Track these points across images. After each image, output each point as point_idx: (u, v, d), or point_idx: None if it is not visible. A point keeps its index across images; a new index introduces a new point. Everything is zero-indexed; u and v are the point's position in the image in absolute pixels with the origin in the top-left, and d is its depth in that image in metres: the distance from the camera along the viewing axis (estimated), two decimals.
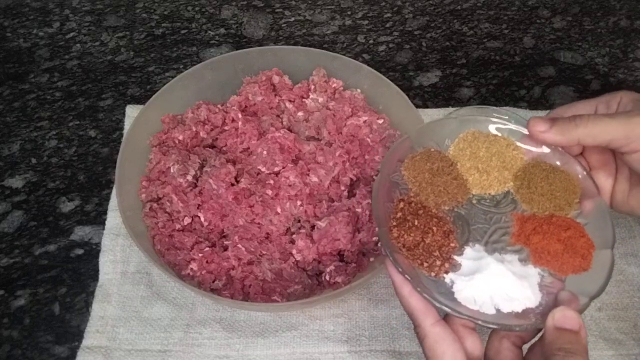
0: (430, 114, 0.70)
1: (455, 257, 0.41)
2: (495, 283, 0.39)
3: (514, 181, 0.45)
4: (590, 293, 0.38)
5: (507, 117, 0.47)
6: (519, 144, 0.46)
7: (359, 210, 0.56)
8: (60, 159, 0.69)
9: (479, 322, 0.37)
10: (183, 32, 0.84)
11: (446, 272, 0.40)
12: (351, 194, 0.59)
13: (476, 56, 0.81)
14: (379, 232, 0.41)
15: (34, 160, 0.69)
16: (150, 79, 0.77)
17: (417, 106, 0.68)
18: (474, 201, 0.45)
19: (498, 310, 0.38)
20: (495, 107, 0.70)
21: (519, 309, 0.38)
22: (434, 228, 0.41)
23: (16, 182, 0.67)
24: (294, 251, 0.55)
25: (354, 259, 0.55)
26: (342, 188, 0.59)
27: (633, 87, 0.77)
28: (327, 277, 0.53)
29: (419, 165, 0.45)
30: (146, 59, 0.80)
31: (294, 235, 0.56)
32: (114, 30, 0.84)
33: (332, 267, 0.53)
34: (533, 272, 0.40)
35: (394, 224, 0.42)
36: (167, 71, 0.78)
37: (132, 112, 0.70)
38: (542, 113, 0.71)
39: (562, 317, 0.36)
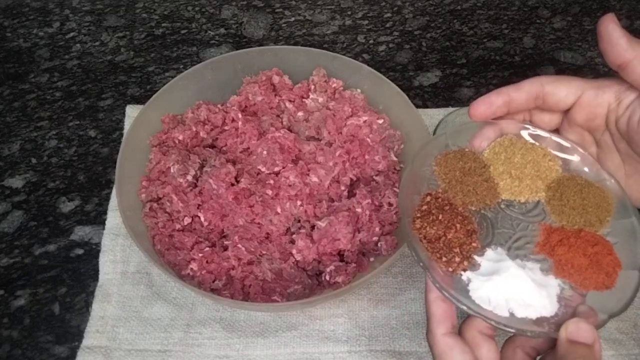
0: (431, 114, 0.70)
1: (476, 257, 0.40)
2: (512, 287, 0.38)
3: (547, 191, 0.44)
4: (610, 311, 0.37)
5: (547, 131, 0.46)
6: (556, 153, 0.45)
7: (359, 210, 0.56)
8: (60, 159, 0.69)
9: (492, 323, 0.37)
10: (183, 32, 0.84)
11: (464, 270, 0.39)
12: (351, 194, 0.59)
13: (476, 56, 0.81)
14: (402, 221, 0.41)
15: (34, 160, 0.69)
16: (150, 79, 0.77)
17: (417, 106, 0.68)
18: (503, 206, 0.44)
19: (512, 314, 0.38)
20: None
21: (533, 316, 0.38)
22: (458, 225, 0.41)
23: (16, 182, 0.67)
24: (294, 251, 0.55)
25: (354, 259, 0.55)
26: (342, 188, 0.59)
27: None
28: (327, 277, 0.53)
29: (452, 163, 0.44)
30: (146, 59, 0.80)
31: (294, 235, 0.56)
32: (114, 30, 0.84)
33: (332, 267, 0.53)
34: (553, 283, 0.39)
35: (418, 215, 0.41)
36: (167, 71, 0.78)
37: (132, 112, 0.70)
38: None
39: (575, 329, 0.35)
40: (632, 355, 0.53)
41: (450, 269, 0.39)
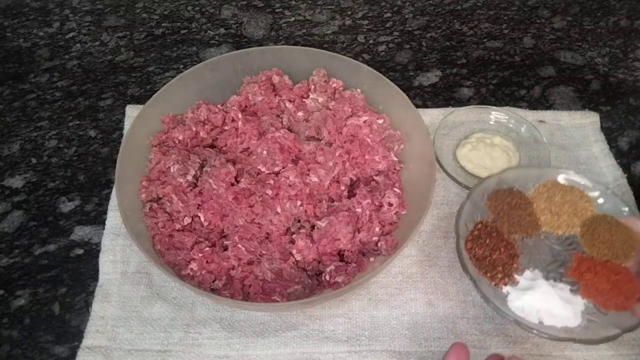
0: (431, 114, 0.70)
1: (516, 275, 0.50)
2: (543, 300, 0.47)
3: (581, 227, 0.52)
4: (624, 327, 0.46)
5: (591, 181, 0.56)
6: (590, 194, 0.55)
7: (359, 210, 0.56)
8: (60, 159, 0.69)
9: (522, 326, 0.46)
10: (183, 32, 0.84)
11: (505, 285, 0.49)
12: (351, 194, 0.59)
13: (476, 56, 0.81)
14: (457, 241, 0.51)
15: (34, 160, 0.69)
16: (150, 79, 0.77)
17: (417, 106, 0.68)
18: (542, 236, 0.53)
19: (540, 322, 0.47)
20: (495, 107, 0.70)
21: (558, 325, 0.47)
22: (502, 249, 0.50)
23: (16, 182, 0.67)
24: (294, 251, 0.55)
25: (354, 259, 0.55)
26: (342, 188, 0.59)
27: (633, 87, 0.77)
28: (327, 277, 0.53)
29: (501, 198, 0.54)
30: (146, 59, 0.80)
31: (294, 235, 0.56)
32: (114, 30, 0.84)
33: (332, 267, 0.53)
34: (579, 302, 0.48)
35: (470, 238, 0.51)
36: (167, 71, 0.78)
37: (132, 112, 0.70)
38: (542, 113, 0.71)
39: None
40: (632, 355, 0.53)
41: (494, 283, 0.49)
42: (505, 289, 0.49)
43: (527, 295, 0.48)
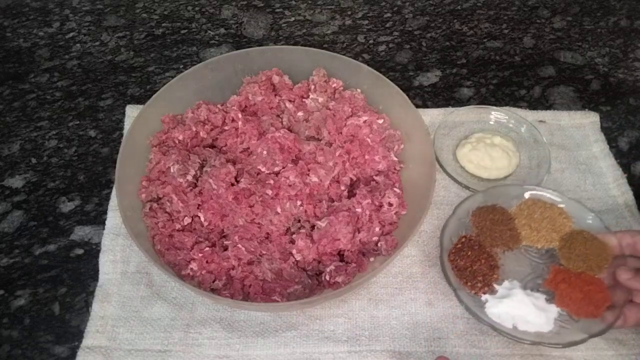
0: (431, 114, 0.70)
1: (495, 285, 0.54)
2: (518, 308, 0.51)
3: (559, 241, 0.56)
4: (592, 332, 0.50)
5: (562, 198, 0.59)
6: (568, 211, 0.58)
7: (359, 210, 0.56)
8: (60, 159, 0.69)
9: (497, 330, 0.50)
10: (183, 32, 0.84)
11: (484, 293, 0.53)
12: (351, 194, 0.59)
13: (476, 56, 0.81)
14: (440, 254, 0.55)
15: (34, 160, 0.69)
16: (150, 79, 0.77)
17: (417, 106, 0.68)
18: (523, 250, 0.57)
19: (514, 327, 0.51)
20: (495, 107, 0.70)
21: (531, 330, 0.51)
22: (483, 260, 0.54)
23: (16, 182, 0.67)
24: (294, 251, 0.55)
25: (354, 259, 0.55)
26: (342, 188, 0.59)
27: (633, 87, 0.77)
28: (327, 277, 0.53)
29: (484, 214, 0.57)
30: (146, 59, 0.80)
31: (294, 235, 0.56)
32: (114, 30, 0.84)
33: (332, 267, 0.53)
34: (553, 310, 0.52)
35: (453, 250, 0.55)
36: (167, 71, 0.78)
37: (132, 112, 0.70)
38: (542, 113, 0.71)
39: None
40: (632, 355, 0.53)
41: (473, 292, 0.53)
42: (485, 297, 0.53)
43: (504, 303, 0.52)
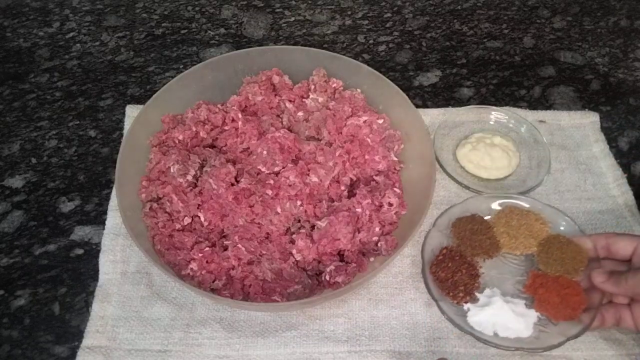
0: (431, 114, 0.70)
1: (477, 293, 0.55)
2: (498, 315, 0.52)
3: (537, 247, 0.57)
4: (570, 335, 0.50)
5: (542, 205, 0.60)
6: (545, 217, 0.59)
7: (359, 210, 0.56)
8: (60, 159, 0.69)
9: (479, 339, 0.51)
10: (183, 32, 0.84)
11: (466, 302, 0.54)
12: (351, 194, 0.59)
13: (476, 56, 0.81)
14: (422, 266, 0.56)
15: (34, 160, 0.69)
16: (150, 79, 0.77)
17: (417, 106, 0.68)
18: (502, 257, 0.58)
19: (495, 334, 0.52)
20: (495, 107, 0.70)
21: (512, 336, 0.52)
22: (464, 270, 0.55)
23: (16, 182, 0.67)
24: (294, 251, 0.55)
25: (354, 259, 0.55)
26: (342, 188, 0.59)
27: (633, 87, 0.77)
28: (327, 277, 0.53)
29: (464, 225, 0.58)
30: (146, 59, 0.80)
31: (294, 235, 0.56)
32: (114, 30, 0.84)
33: (332, 267, 0.53)
34: (533, 315, 0.53)
35: (434, 262, 0.56)
36: (167, 71, 0.78)
37: (132, 112, 0.70)
38: (542, 113, 0.71)
39: None
40: (632, 355, 0.53)
41: (455, 302, 0.54)
42: (467, 306, 0.54)
43: (485, 311, 0.53)
